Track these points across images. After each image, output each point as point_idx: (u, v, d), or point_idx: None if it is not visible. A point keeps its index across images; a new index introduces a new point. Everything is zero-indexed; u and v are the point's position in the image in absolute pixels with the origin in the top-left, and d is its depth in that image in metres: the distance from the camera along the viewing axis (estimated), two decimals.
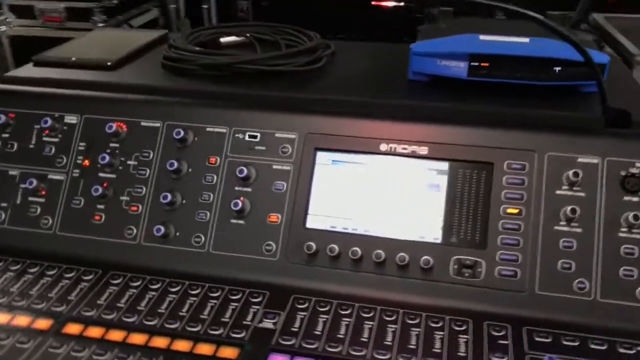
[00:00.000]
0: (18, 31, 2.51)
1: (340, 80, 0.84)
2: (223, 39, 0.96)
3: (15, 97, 0.80)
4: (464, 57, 0.76)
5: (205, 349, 0.59)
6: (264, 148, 0.73)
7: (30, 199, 0.76)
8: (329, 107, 0.75)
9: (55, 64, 0.89)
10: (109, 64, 0.88)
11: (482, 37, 0.80)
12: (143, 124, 0.76)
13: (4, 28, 2.51)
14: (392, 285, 0.66)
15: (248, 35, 0.97)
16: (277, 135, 0.73)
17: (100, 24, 2.49)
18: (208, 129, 0.75)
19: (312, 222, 0.70)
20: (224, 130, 0.74)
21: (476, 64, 0.76)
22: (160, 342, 0.60)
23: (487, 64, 0.76)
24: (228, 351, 0.59)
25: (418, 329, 0.61)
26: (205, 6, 3.23)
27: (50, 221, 0.75)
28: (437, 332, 0.61)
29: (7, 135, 0.79)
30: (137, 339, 0.60)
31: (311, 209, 0.70)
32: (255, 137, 0.73)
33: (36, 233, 0.75)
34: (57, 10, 2.51)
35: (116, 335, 0.61)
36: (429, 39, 0.83)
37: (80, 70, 0.87)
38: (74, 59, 0.89)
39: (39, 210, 0.75)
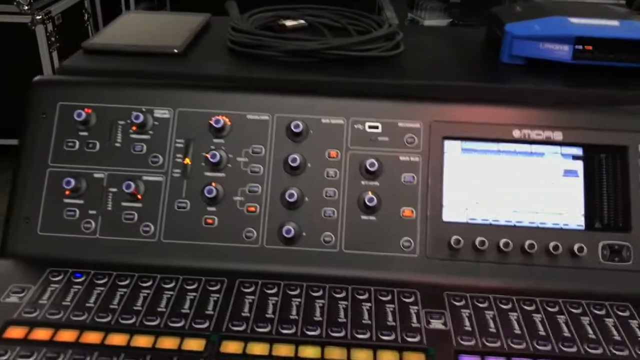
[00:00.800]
0: None
1: (433, 65, 0.81)
2: (288, 23, 0.90)
3: (90, 89, 0.71)
4: (568, 40, 0.76)
5: (388, 357, 0.55)
6: (387, 139, 0.69)
7: (124, 204, 0.68)
8: (445, 94, 0.72)
9: (112, 52, 0.79)
10: (175, 51, 0.79)
11: (571, 19, 0.80)
12: (249, 116, 0.69)
13: None
14: (543, 275, 0.65)
15: (309, 18, 0.92)
16: (400, 124, 0.69)
17: (26, 7, 2.30)
18: (324, 121, 0.69)
19: (449, 215, 0.67)
20: (342, 122, 0.69)
21: (581, 47, 0.76)
22: (333, 353, 0.56)
23: (591, 47, 0.76)
24: (414, 357, 0.55)
25: (587, 318, 0.61)
26: None
27: (152, 228, 0.67)
28: (606, 319, 0.60)
29: (85, 133, 0.69)
30: (308, 352, 0.56)
31: (446, 201, 0.67)
32: (376, 127, 0.69)
33: (137, 242, 0.66)
34: None
35: (284, 349, 0.56)
36: (516, 21, 0.81)
37: (145, 58, 0.79)
38: (134, 45, 0.79)
39: (136, 216, 0.67)
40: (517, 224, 0.67)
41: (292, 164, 0.67)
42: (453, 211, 0.67)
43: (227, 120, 0.69)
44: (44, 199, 0.68)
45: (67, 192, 0.67)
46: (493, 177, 0.68)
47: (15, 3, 2.30)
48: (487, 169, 0.68)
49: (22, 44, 2.36)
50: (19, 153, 0.69)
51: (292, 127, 0.68)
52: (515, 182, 0.68)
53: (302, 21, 0.91)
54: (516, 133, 0.68)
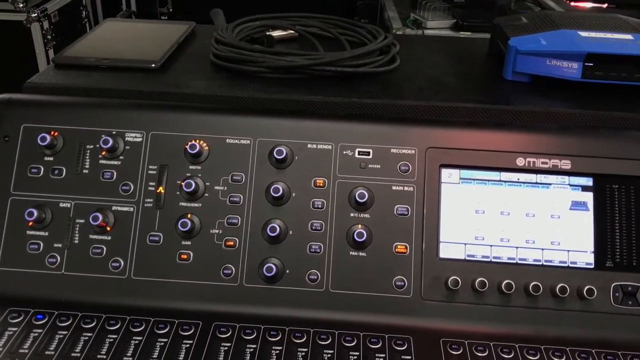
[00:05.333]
0: None
1: (431, 82, 0.75)
2: (276, 34, 0.84)
3: (55, 109, 0.65)
4: (578, 57, 0.70)
5: None
6: (378, 166, 0.63)
7: (92, 237, 0.62)
8: (442, 116, 0.67)
9: (85, 66, 0.73)
10: (153, 66, 0.74)
11: (581, 33, 0.74)
12: (229, 141, 0.64)
13: None
14: (549, 319, 0.59)
15: (300, 28, 0.86)
16: (393, 151, 0.63)
17: (21, 4, 2.25)
18: (310, 146, 0.64)
19: (446, 251, 0.61)
20: (329, 147, 0.63)
21: (591, 64, 0.70)
22: None
23: (603, 65, 0.70)
24: None
25: None
26: None
27: (122, 263, 0.61)
28: None
29: (51, 158, 0.64)
30: None
31: (443, 236, 0.61)
32: (367, 153, 0.63)
33: (106, 279, 0.61)
34: None
35: None
36: (520, 34, 0.75)
37: (119, 73, 0.73)
38: (107, 61, 0.74)
39: (104, 250, 0.62)
40: (521, 262, 0.61)
41: (274, 194, 0.61)
42: (450, 247, 0.61)
43: (204, 144, 0.63)
44: (5, 230, 0.62)
45: (30, 224, 0.62)
46: (494, 209, 0.62)
47: (10, 0, 2.24)
48: (487, 201, 0.62)
49: (18, 42, 2.31)
50: None
51: (275, 153, 0.62)
52: (518, 216, 0.62)
53: (291, 31, 0.85)
54: (520, 161, 0.62)
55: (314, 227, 0.62)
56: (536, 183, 0.62)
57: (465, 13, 2.03)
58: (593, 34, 0.74)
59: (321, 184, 0.63)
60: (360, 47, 0.78)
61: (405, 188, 0.62)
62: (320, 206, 0.62)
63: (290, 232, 0.62)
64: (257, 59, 0.73)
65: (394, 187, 0.62)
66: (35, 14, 2.26)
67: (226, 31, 0.81)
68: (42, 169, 0.63)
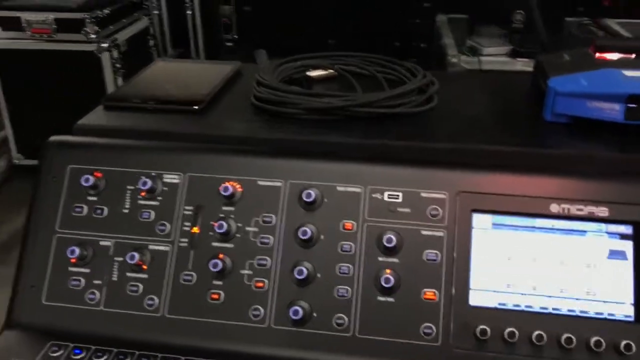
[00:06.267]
0: (4, 44, 2.37)
1: (467, 123, 0.74)
2: (312, 73, 0.86)
3: (99, 151, 0.69)
4: (620, 98, 0.67)
5: None
6: (408, 210, 0.63)
7: (129, 274, 0.65)
8: (475, 159, 0.66)
9: (132, 108, 0.77)
10: (195, 107, 0.77)
11: (626, 72, 0.71)
12: (260, 182, 0.65)
13: None
14: None
15: (340, 66, 0.87)
16: (423, 194, 0.63)
17: (93, 35, 2.37)
18: (339, 189, 0.64)
19: (476, 299, 0.60)
20: (359, 190, 0.64)
21: (634, 105, 0.67)
22: None
23: None
24: None
25: None
26: (189, 12, 3.16)
27: (157, 302, 0.63)
28: None
29: (94, 198, 0.67)
30: None
31: (473, 283, 0.60)
32: (396, 197, 0.63)
33: (140, 317, 0.63)
34: (46, 21, 2.37)
35: None
36: (562, 73, 0.74)
37: (164, 115, 0.76)
38: (153, 102, 0.77)
39: (140, 288, 0.64)
40: (554, 312, 0.59)
41: (302, 237, 0.62)
42: (481, 295, 0.60)
43: (238, 186, 0.65)
44: (51, 267, 0.66)
45: (72, 260, 0.65)
46: (527, 256, 0.61)
47: (83, 32, 2.37)
48: (520, 248, 0.61)
49: (88, 70, 2.43)
50: (28, 216, 0.68)
51: (304, 196, 0.63)
52: (552, 264, 0.60)
53: (331, 70, 0.86)
54: (554, 207, 0.61)
55: (341, 271, 0.62)
56: (571, 230, 0.60)
57: (522, 39, 2.00)
58: (638, 73, 0.71)
59: (350, 227, 0.63)
60: (399, 85, 0.79)
61: (435, 233, 0.62)
62: (348, 250, 0.63)
63: (319, 275, 0.62)
64: (294, 100, 0.75)
65: (423, 232, 0.62)
66: (106, 44, 2.39)
67: (268, 72, 0.83)
68: (86, 208, 0.67)
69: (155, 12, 3.05)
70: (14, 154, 2.58)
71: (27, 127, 2.52)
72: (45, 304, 0.65)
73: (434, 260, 0.61)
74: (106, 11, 2.46)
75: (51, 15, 2.36)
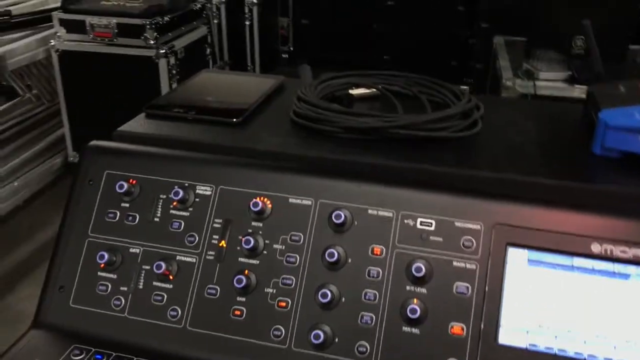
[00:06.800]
0: (68, 46, 2.45)
1: (510, 152, 0.71)
2: (354, 92, 0.84)
3: (136, 159, 0.69)
4: None
5: None
6: (440, 239, 0.61)
7: (155, 283, 0.65)
8: (515, 190, 0.63)
9: (172, 117, 0.78)
10: (234, 120, 0.76)
11: None
12: (291, 200, 0.64)
13: (53, 42, 2.45)
14: None
15: (380, 87, 0.86)
16: (457, 224, 0.61)
17: (152, 41, 2.43)
18: (370, 212, 0.63)
19: (505, 338, 0.57)
20: (390, 215, 0.62)
21: None
22: None
23: None
24: None
25: None
26: (247, 22, 3.20)
27: (180, 313, 0.63)
28: None
29: (127, 204, 0.67)
30: None
31: (504, 320, 0.58)
32: (429, 224, 0.61)
33: (162, 327, 0.63)
34: (108, 26, 2.45)
35: None
36: (615, 105, 0.70)
37: (202, 126, 0.76)
38: (193, 112, 0.77)
39: (165, 298, 0.64)
40: (589, 359, 0.55)
41: (329, 259, 0.61)
42: (511, 333, 0.57)
43: (268, 202, 0.64)
44: (80, 270, 0.66)
45: (102, 265, 0.66)
46: (563, 297, 0.57)
47: (142, 37, 2.44)
48: (556, 287, 0.58)
49: (145, 75, 2.50)
50: (63, 217, 0.69)
51: (334, 217, 0.62)
52: (590, 306, 0.57)
53: (374, 89, 0.85)
54: (595, 247, 0.57)
55: (367, 297, 0.60)
56: (613, 273, 0.57)
57: (582, 65, 1.93)
58: None
59: (378, 253, 0.61)
60: (443, 108, 0.77)
61: (467, 265, 0.59)
62: (375, 275, 0.61)
63: (343, 300, 0.61)
64: (332, 118, 0.74)
65: (455, 263, 0.60)
66: (164, 50, 2.44)
67: (310, 88, 0.82)
68: (118, 214, 0.67)
69: (215, 21, 3.11)
70: (70, 152, 2.67)
71: (84, 126, 2.59)
72: (72, 307, 0.65)
73: (464, 293, 0.59)
74: (166, 18, 2.52)
75: (114, 20, 2.44)
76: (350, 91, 0.85)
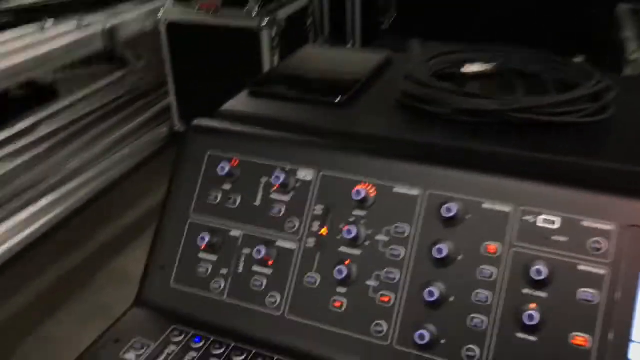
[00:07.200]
0: (175, 17, 2.52)
1: None
2: (468, 69, 0.78)
3: (238, 139, 0.68)
4: None
5: None
6: (565, 239, 0.54)
7: (255, 268, 0.63)
8: None
9: (275, 95, 0.75)
10: (337, 100, 0.73)
11: None
12: (396, 190, 0.60)
13: (161, 13, 2.51)
14: None
15: (495, 62, 0.78)
16: (585, 223, 0.54)
17: (254, 12, 2.43)
18: (485, 206, 0.57)
19: (637, 353, 0.51)
20: (508, 210, 0.56)
21: None
22: None
23: None
24: None
25: None
26: None
27: (278, 300, 0.61)
28: None
29: (228, 187, 0.66)
30: None
31: (636, 334, 0.51)
32: (552, 222, 0.55)
33: (261, 313, 0.62)
34: None
35: None
36: None
37: (305, 106, 0.73)
38: (295, 91, 0.75)
39: (264, 284, 0.62)
40: None
41: (438, 255, 0.56)
42: None
43: (371, 190, 0.61)
44: (181, 250, 0.66)
45: (202, 247, 0.65)
46: None
47: (245, 10, 2.45)
48: None
49: (248, 46, 2.51)
50: (165, 197, 0.69)
51: (444, 209, 0.57)
52: None
53: (490, 67, 0.78)
54: None
55: (478, 298, 0.55)
56: None
57: None
58: None
59: (493, 251, 0.56)
60: (568, 89, 0.69)
61: (595, 270, 0.53)
62: (488, 275, 0.56)
63: (451, 299, 0.56)
64: (443, 99, 0.68)
65: (580, 267, 0.53)
66: (265, 22, 2.44)
67: (420, 64, 0.77)
68: (220, 196, 0.66)
69: None
70: (176, 122, 2.75)
71: (190, 96, 2.67)
72: (173, 287, 0.65)
73: (590, 301, 0.52)
74: None
75: None
76: (463, 69, 0.78)
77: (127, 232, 2.37)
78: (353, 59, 0.85)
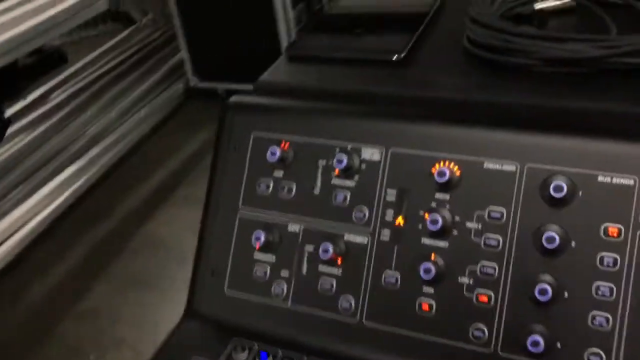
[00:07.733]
0: None
1: None
2: (543, 5, 0.66)
3: (286, 116, 0.58)
4: None
5: None
6: None
7: (321, 268, 0.54)
8: None
9: (319, 58, 0.64)
10: (394, 57, 0.62)
11: None
12: (487, 165, 0.50)
13: None
14: None
15: None
16: None
17: None
18: (601, 179, 0.47)
19: None
20: (631, 182, 0.46)
21: None
22: None
23: None
24: None
25: None
26: None
27: (353, 304, 0.53)
28: None
29: (280, 173, 0.56)
30: None
31: None
32: None
33: (334, 321, 0.53)
34: None
35: None
36: None
37: (357, 68, 0.62)
38: (342, 52, 0.63)
39: (334, 286, 0.54)
40: None
41: (546, 242, 0.47)
42: None
43: (455, 168, 0.51)
44: (233, 250, 0.57)
45: (257, 246, 0.56)
46: None
47: None
48: None
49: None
50: (208, 190, 0.59)
51: (551, 187, 0.47)
52: None
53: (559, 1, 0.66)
54: None
55: (600, 292, 0.46)
56: None
57: None
58: None
59: (615, 234, 0.46)
60: None
61: None
62: (611, 264, 0.46)
63: (565, 295, 0.47)
64: (526, 46, 0.57)
65: None
66: None
67: (483, 4, 0.65)
68: (272, 185, 0.56)
69: None
70: (190, 77, 2.64)
71: (202, 49, 2.53)
72: (228, 295, 0.57)
73: None
74: None
75: None
76: (538, 5, 0.66)
77: (155, 195, 2.31)
78: (403, 4, 0.72)
